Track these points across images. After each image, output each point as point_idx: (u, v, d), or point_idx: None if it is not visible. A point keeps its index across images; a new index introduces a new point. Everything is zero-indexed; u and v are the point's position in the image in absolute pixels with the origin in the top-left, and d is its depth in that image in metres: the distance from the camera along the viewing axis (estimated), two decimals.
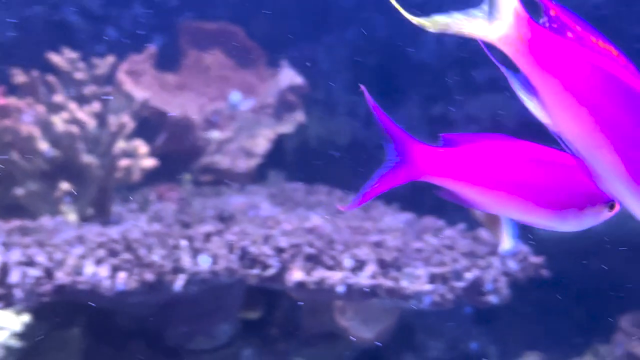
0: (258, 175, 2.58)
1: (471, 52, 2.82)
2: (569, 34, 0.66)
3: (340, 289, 1.76)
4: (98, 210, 2.16)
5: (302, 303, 2.32)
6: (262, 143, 2.46)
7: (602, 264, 2.78)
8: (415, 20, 0.66)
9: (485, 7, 0.67)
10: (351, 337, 2.65)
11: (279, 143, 2.72)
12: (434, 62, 2.97)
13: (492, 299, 1.86)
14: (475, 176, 0.76)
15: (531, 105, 0.68)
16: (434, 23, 0.66)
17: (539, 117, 0.68)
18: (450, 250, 1.96)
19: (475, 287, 1.87)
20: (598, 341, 2.64)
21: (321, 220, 2.04)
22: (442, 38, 2.92)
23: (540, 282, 2.96)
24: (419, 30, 0.70)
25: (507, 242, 1.75)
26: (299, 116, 2.56)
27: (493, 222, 1.73)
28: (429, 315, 2.93)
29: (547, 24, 0.67)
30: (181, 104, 2.54)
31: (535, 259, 2.02)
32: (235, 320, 2.18)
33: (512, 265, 1.98)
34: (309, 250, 1.80)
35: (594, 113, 0.65)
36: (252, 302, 2.20)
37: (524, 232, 2.95)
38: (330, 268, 1.79)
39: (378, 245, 1.90)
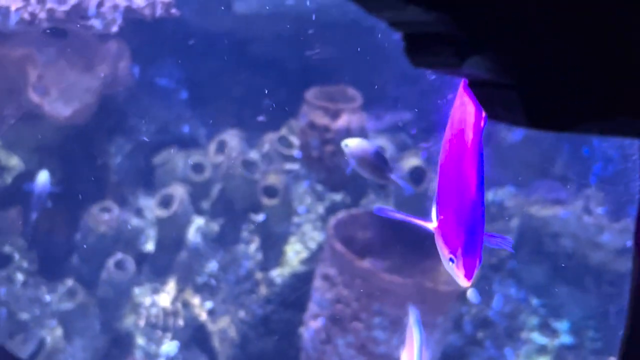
0: None
1: None
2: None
3: None
4: None
5: None
6: None
7: (305, 45, 2.72)
8: None
9: None
10: (48, 116, 2.56)
11: None
12: None
13: (96, 23, 1.77)
14: None
15: None
16: None
17: None
18: None
19: (78, 11, 1.77)
20: (293, 117, 2.61)
21: None
22: None
23: (251, 66, 2.91)
24: None
25: None
26: None
27: None
28: (143, 99, 2.85)
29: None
30: None
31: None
32: None
33: (139, 1, 1.89)
34: None
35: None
36: None
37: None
38: None
39: None
